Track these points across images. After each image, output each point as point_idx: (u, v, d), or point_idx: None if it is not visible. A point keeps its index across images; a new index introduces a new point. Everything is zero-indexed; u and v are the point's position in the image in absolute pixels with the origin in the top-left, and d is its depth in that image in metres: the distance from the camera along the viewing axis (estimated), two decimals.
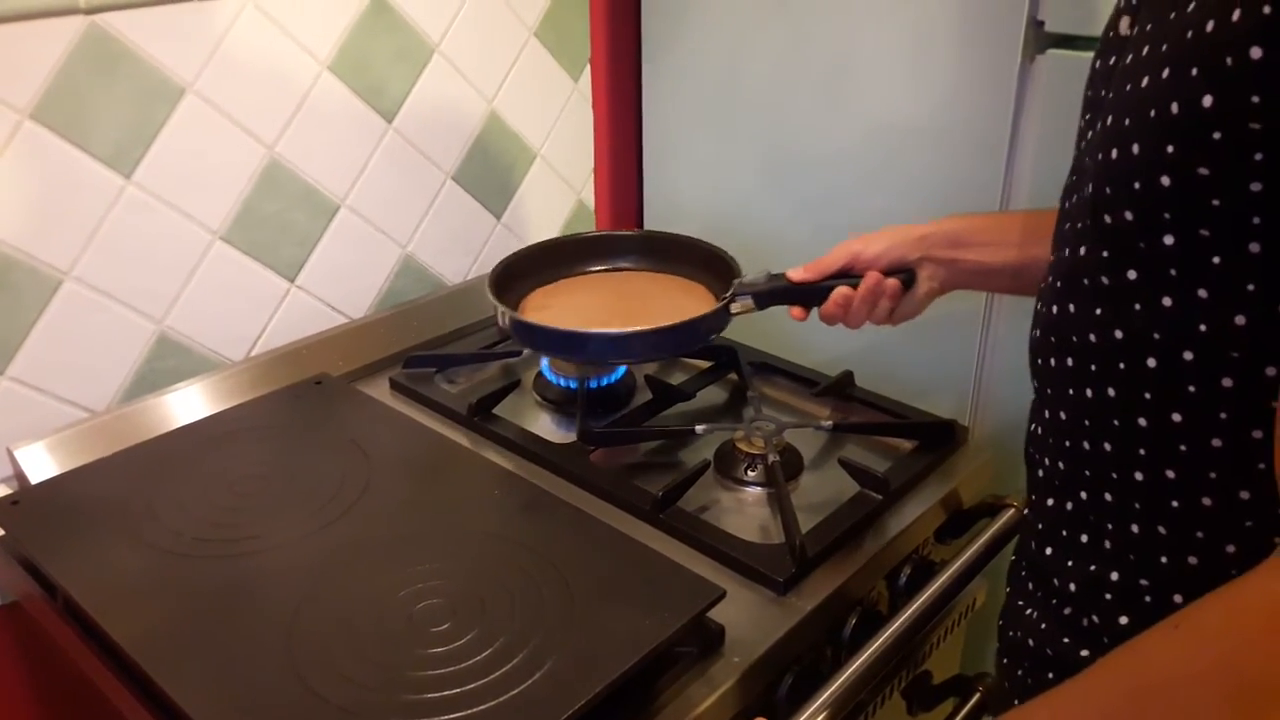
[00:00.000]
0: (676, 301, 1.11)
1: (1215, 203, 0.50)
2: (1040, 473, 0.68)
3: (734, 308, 0.97)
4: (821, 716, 0.78)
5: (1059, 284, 0.63)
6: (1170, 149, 0.50)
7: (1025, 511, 0.74)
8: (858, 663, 0.83)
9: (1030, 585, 0.71)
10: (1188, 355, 0.54)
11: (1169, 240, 0.52)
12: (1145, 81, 0.53)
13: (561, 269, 1.18)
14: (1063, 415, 0.64)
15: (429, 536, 0.84)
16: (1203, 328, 0.53)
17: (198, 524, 0.85)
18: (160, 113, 1.00)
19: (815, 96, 1.23)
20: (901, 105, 1.15)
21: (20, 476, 0.95)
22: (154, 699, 0.71)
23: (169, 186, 1.02)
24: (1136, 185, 0.53)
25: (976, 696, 1.06)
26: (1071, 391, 0.62)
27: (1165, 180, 0.51)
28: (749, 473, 0.99)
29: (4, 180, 0.91)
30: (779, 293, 0.93)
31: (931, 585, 0.92)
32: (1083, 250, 0.59)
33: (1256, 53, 0.46)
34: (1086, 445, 0.62)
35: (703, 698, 0.75)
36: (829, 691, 0.80)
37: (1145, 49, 0.54)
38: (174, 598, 0.77)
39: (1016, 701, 0.68)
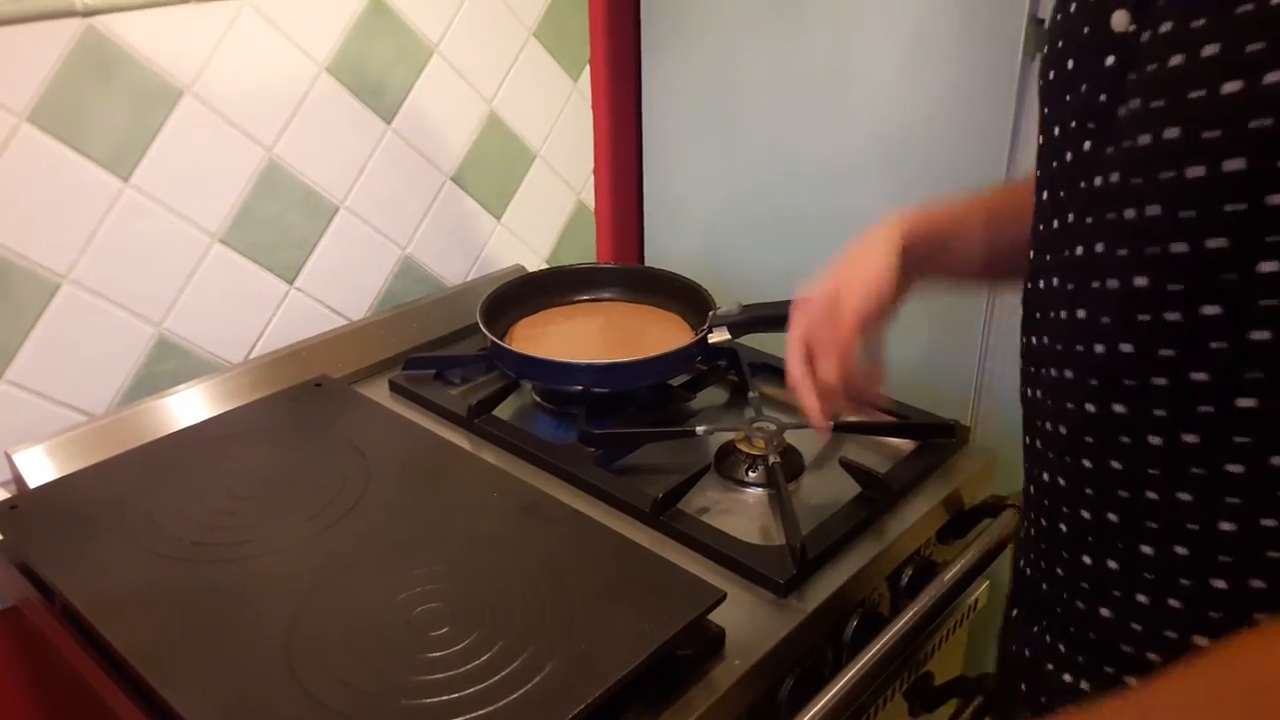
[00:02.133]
0: (656, 331, 1.20)
1: None
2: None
3: (711, 338, 1.06)
4: (823, 719, 0.78)
5: (1083, 315, 0.57)
6: None
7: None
8: (859, 665, 0.83)
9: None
10: (1199, 376, 0.51)
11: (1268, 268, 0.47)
12: (1237, 87, 0.46)
13: (549, 298, 1.26)
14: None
15: (428, 540, 0.83)
16: (1214, 345, 0.50)
17: (196, 528, 0.85)
18: (158, 115, 1.00)
19: (815, 96, 1.22)
20: (901, 104, 1.15)
21: (19, 480, 0.95)
22: (152, 705, 0.71)
23: (167, 189, 1.02)
24: (1229, 208, 0.47)
25: (978, 699, 1.05)
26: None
27: (1275, 199, 0.46)
28: (750, 474, 0.99)
29: (1, 184, 0.91)
30: (752, 323, 1.02)
31: (933, 586, 0.92)
32: (1113, 282, 0.54)
33: None
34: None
35: (703, 701, 0.75)
36: (830, 694, 0.80)
37: (1205, 49, 0.48)
38: (172, 603, 0.77)
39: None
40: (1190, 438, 0.53)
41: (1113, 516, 0.58)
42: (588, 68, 1.41)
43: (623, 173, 1.52)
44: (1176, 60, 0.49)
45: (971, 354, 1.17)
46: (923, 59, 1.11)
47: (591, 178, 1.48)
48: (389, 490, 0.90)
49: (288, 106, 1.10)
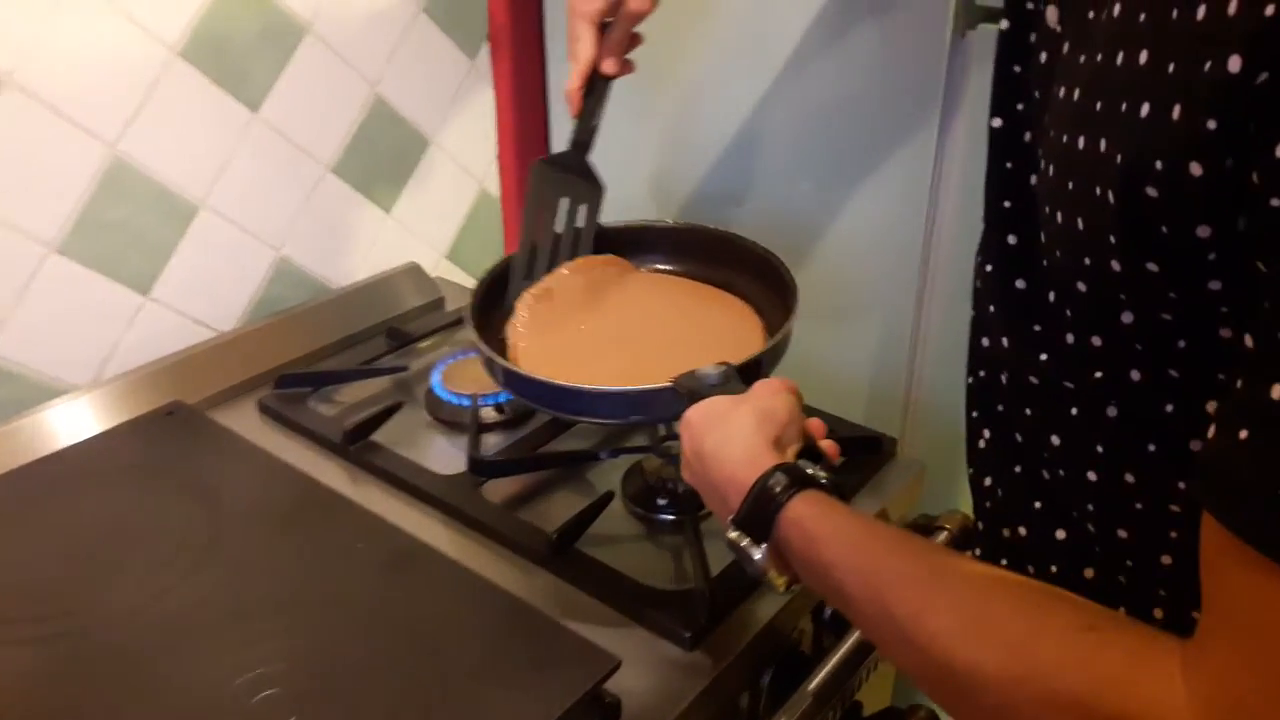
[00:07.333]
0: (717, 326, 0.90)
1: None
2: None
3: None
4: None
5: None
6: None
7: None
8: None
9: None
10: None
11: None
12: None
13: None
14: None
15: (274, 606, 0.72)
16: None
17: (12, 597, 0.73)
18: None
19: (733, 72, 1.13)
20: (826, 80, 1.06)
21: None
22: None
23: None
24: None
25: None
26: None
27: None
28: (659, 501, 0.89)
29: None
30: None
31: None
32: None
33: None
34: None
35: None
36: None
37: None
38: None
39: None
40: None
41: None
42: (486, 44, 1.29)
43: (530, 157, 1.40)
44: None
45: (900, 363, 1.09)
46: (847, 31, 1.02)
47: (495, 163, 1.36)
48: (238, 543, 0.78)
49: (134, 96, 0.97)
